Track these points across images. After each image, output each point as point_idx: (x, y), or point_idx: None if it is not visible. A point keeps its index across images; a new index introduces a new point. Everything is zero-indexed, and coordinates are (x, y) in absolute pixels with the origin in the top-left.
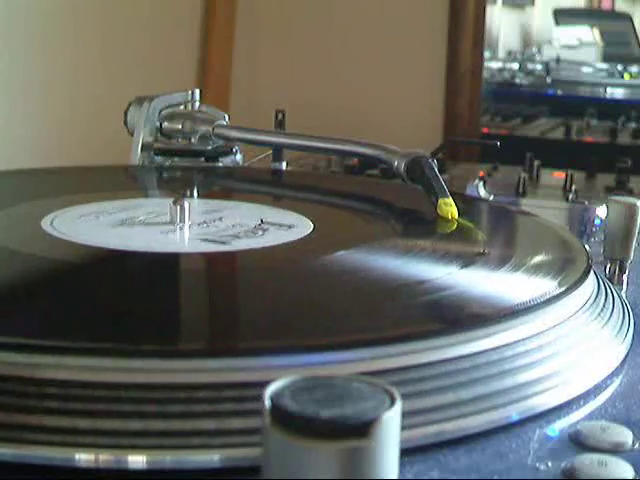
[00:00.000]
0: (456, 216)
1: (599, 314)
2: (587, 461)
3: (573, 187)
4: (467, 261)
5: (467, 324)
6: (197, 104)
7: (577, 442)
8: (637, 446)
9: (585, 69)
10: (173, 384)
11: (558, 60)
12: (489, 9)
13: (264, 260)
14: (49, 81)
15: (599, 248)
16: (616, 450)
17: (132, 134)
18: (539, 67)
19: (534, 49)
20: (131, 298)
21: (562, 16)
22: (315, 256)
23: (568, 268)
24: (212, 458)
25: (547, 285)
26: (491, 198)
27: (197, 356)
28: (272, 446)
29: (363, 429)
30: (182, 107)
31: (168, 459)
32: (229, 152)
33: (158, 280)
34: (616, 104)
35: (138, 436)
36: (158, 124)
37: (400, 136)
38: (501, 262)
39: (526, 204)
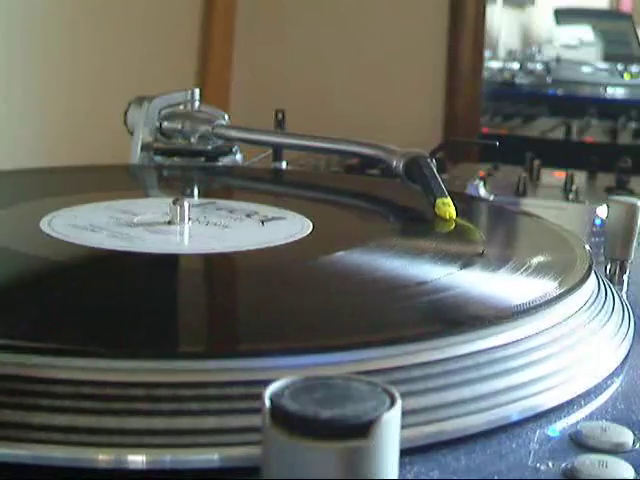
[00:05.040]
0: (454, 216)
1: (599, 314)
2: (587, 461)
3: (573, 187)
4: (466, 261)
5: (467, 324)
6: (197, 104)
7: (577, 442)
8: (638, 446)
9: (585, 69)
10: (173, 384)
11: (558, 60)
12: (489, 9)
13: (263, 261)
14: (49, 81)
15: (599, 248)
16: (616, 450)
17: (132, 134)
18: (539, 67)
19: (534, 49)
20: (130, 298)
21: (562, 16)
22: (314, 257)
23: (569, 268)
24: (212, 458)
25: (547, 285)
26: (491, 198)
27: (197, 357)
28: (272, 446)
29: (363, 429)
30: (182, 107)
31: (168, 459)
32: (229, 152)
33: (158, 280)
34: (616, 104)
35: (138, 435)
36: (158, 124)
37: (400, 136)
38: (501, 262)
39: (526, 204)
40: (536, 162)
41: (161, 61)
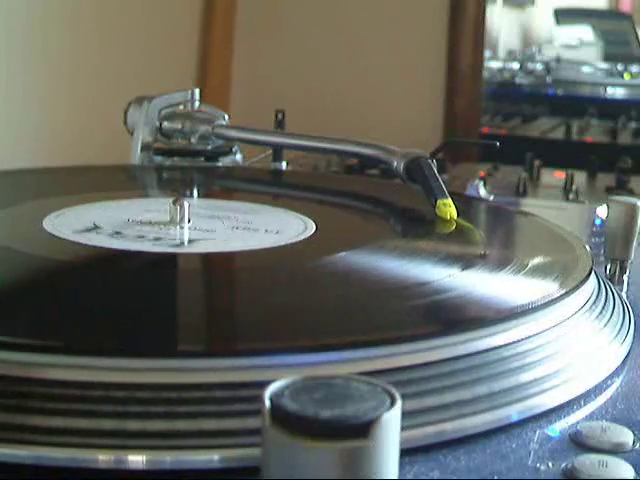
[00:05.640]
0: (455, 217)
1: (599, 314)
2: (587, 461)
3: (573, 187)
4: (467, 262)
5: (467, 325)
6: (197, 104)
7: (577, 442)
8: (637, 446)
9: (585, 69)
10: (173, 384)
11: (558, 60)
12: (489, 9)
13: (264, 261)
14: (49, 81)
15: (599, 248)
16: (616, 450)
17: (132, 134)
18: (539, 67)
19: (534, 49)
20: (130, 298)
21: (562, 16)
22: (315, 257)
23: (569, 269)
24: (212, 458)
25: (548, 286)
26: (491, 198)
27: (197, 356)
28: (272, 446)
29: (363, 429)
30: (182, 107)
31: (168, 459)
32: (229, 152)
33: (158, 280)
34: (616, 104)
35: (138, 436)
36: (158, 124)
37: (400, 136)
38: (501, 263)
39: (526, 204)
40: (536, 162)
41: (161, 61)
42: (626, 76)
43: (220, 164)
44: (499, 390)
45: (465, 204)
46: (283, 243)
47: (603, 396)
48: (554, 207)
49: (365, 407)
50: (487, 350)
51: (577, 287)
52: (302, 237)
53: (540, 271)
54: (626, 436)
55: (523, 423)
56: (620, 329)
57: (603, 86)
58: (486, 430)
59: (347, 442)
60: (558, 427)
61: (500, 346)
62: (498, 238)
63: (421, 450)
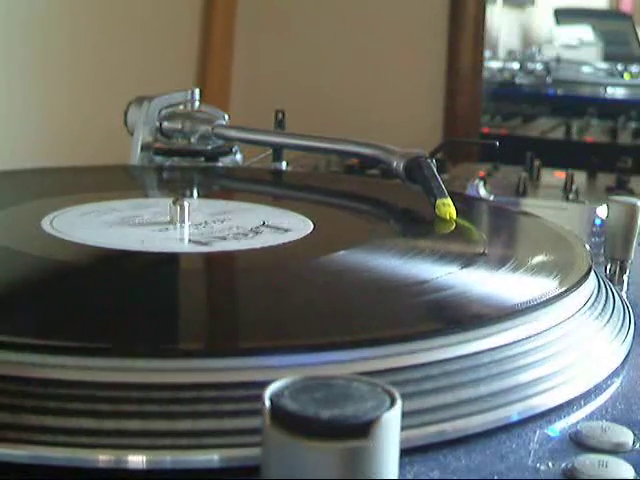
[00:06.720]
0: (454, 216)
1: (599, 314)
2: (587, 461)
3: (573, 187)
4: (466, 261)
5: (467, 324)
6: (197, 104)
7: (577, 442)
8: (637, 446)
9: (585, 69)
10: (173, 384)
11: (558, 60)
12: (489, 9)
13: (264, 260)
14: (48, 81)
15: (599, 248)
16: (616, 450)
17: (132, 134)
18: (539, 67)
19: (534, 49)
20: (130, 298)
21: (562, 16)
22: (315, 256)
23: (569, 268)
24: (212, 458)
25: (547, 285)
26: (491, 198)
27: (197, 356)
28: (272, 446)
29: (363, 429)
30: (182, 107)
31: (168, 459)
32: (229, 152)
33: (157, 280)
34: (616, 104)
35: (138, 436)
36: (158, 124)
37: (400, 136)
38: (501, 262)
39: (526, 204)
40: (536, 162)
41: (161, 61)
42: (626, 76)
43: (220, 164)
44: (499, 390)
45: (464, 203)
46: (282, 242)
47: (603, 396)
48: (554, 207)
49: (365, 407)
50: (487, 350)
51: (577, 286)
52: (301, 236)
53: (540, 270)
54: (626, 436)
55: (523, 423)
56: (620, 329)
57: (603, 86)
58: (486, 430)
59: (347, 442)
60: (558, 427)
61: (500, 346)
62: (498, 237)
63: (421, 450)
